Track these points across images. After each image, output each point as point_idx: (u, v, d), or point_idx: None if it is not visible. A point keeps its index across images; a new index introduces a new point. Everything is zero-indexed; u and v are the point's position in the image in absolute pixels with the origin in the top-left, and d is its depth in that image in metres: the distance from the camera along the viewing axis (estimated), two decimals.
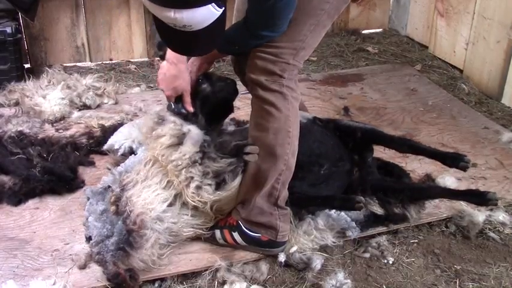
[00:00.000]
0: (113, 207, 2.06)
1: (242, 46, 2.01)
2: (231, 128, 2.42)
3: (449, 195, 2.28)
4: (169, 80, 2.14)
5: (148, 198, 2.03)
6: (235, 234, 2.09)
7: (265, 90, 1.95)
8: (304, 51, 1.97)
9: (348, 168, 2.28)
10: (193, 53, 1.97)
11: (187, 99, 2.19)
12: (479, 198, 2.14)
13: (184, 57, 2.12)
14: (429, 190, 2.33)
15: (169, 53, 2.08)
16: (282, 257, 2.06)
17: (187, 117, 2.18)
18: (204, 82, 2.25)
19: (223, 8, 1.60)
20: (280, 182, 2.02)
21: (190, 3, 1.51)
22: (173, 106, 2.22)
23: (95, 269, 1.99)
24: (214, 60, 2.22)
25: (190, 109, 2.19)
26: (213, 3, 1.53)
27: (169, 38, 1.69)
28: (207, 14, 1.55)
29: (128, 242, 1.93)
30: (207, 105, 2.25)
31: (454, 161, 2.22)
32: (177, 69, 2.11)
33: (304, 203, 2.19)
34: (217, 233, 2.13)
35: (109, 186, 2.24)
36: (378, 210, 2.21)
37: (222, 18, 1.62)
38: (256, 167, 2.02)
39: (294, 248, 2.08)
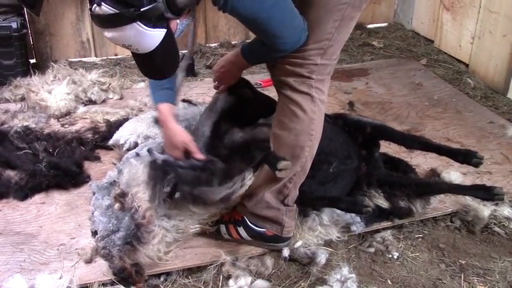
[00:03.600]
0: (117, 204, 2.07)
1: (270, 59, 2.03)
2: None
3: (455, 190, 2.28)
4: (168, 142, 2.16)
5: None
6: (240, 229, 2.10)
7: (294, 91, 1.93)
8: (333, 48, 1.93)
9: (356, 165, 2.28)
10: (155, 76, 1.94)
11: (193, 148, 2.12)
12: (485, 193, 2.14)
13: (169, 115, 2.13)
14: (435, 185, 2.33)
15: (158, 118, 2.16)
16: (286, 252, 2.07)
17: (204, 167, 2.11)
18: (246, 87, 2.27)
19: (165, 29, 1.63)
20: (293, 182, 2.02)
21: (113, 22, 1.58)
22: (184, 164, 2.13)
23: (101, 263, 2.00)
24: (245, 69, 2.24)
25: (201, 157, 2.12)
26: (139, 22, 1.56)
27: (136, 61, 1.77)
28: (138, 34, 1.59)
29: (136, 236, 1.95)
30: (240, 110, 2.26)
31: (466, 157, 2.21)
32: (168, 128, 2.13)
33: (310, 202, 2.19)
34: (223, 228, 2.13)
35: (114, 181, 2.25)
36: (384, 203, 2.21)
37: (167, 41, 1.66)
38: None
39: (299, 243, 2.09)
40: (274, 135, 2.00)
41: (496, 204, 2.33)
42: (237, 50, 2.09)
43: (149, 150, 2.16)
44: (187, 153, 2.12)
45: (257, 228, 2.08)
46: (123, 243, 1.95)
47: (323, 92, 1.96)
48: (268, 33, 1.79)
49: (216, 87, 2.30)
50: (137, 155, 2.19)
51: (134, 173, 2.06)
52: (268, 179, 2.02)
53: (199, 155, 2.12)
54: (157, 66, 1.76)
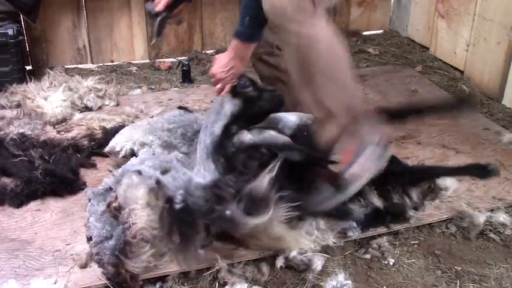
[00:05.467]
0: (111, 213, 2.06)
1: (265, 18, 1.88)
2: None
3: (450, 172, 2.26)
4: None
5: (153, 215, 2.01)
6: None
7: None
8: None
9: None
10: None
11: None
12: (480, 171, 2.14)
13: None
14: (429, 170, 2.32)
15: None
16: (281, 261, 2.06)
17: (151, 17, 2.25)
18: (246, 84, 2.24)
19: None
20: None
21: None
22: (148, 5, 2.28)
23: (96, 268, 2.00)
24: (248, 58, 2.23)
25: (158, 8, 2.20)
26: None
27: None
28: None
29: (123, 251, 1.92)
30: (247, 110, 2.25)
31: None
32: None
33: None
34: None
35: (110, 188, 2.25)
36: (377, 201, 2.21)
37: None
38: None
39: (294, 252, 2.07)
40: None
41: (491, 211, 2.34)
42: (231, 45, 2.04)
43: (157, 182, 2.09)
44: None
45: None
46: (111, 253, 1.94)
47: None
48: None
49: (218, 91, 2.25)
50: (139, 173, 2.13)
51: (134, 193, 2.03)
52: None
53: (158, 7, 2.22)
54: None
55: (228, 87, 2.22)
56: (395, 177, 2.22)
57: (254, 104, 2.26)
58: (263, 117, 2.24)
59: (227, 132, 2.24)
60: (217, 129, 2.24)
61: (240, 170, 2.08)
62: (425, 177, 2.27)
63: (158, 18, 2.27)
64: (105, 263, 1.94)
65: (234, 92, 2.25)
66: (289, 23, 1.77)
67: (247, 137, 2.20)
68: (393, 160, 2.44)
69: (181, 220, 2.01)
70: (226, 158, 2.19)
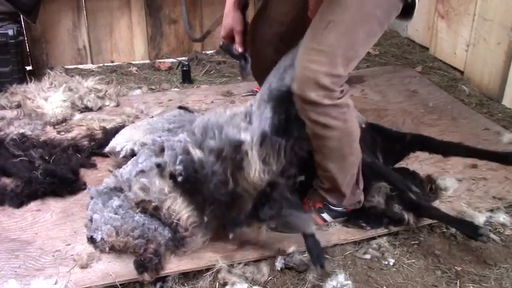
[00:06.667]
0: (145, 209, 2.08)
1: None
2: None
3: (444, 219, 2.25)
4: (223, 20, 2.16)
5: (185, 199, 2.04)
6: (324, 215, 2.22)
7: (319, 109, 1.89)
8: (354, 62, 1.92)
9: None
10: None
11: (237, 38, 2.14)
12: (471, 230, 2.12)
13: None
14: (428, 209, 2.30)
15: None
16: (279, 263, 2.06)
17: (236, 57, 2.17)
18: None
19: None
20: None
21: None
22: (222, 44, 2.22)
23: (96, 269, 2.00)
24: None
25: (239, 49, 2.16)
26: None
27: None
28: None
29: (181, 244, 2.03)
30: None
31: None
32: (226, 7, 2.13)
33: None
34: None
35: (121, 189, 2.20)
36: (380, 200, 2.24)
37: None
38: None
39: (293, 248, 2.08)
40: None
41: (491, 211, 2.34)
42: None
43: (158, 165, 2.08)
44: (229, 38, 2.16)
45: (339, 209, 2.22)
46: (167, 239, 2.02)
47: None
48: None
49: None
50: (142, 171, 2.13)
51: (158, 186, 2.04)
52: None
53: (238, 47, 2.15)
54: None
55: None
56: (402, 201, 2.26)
57: None
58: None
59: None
60: (289, 79, 2.01)
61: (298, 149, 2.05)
62: (421, 215, 2.27)
63: (244, 58, 2.20)
64: (152, 241, 1.99)
65: None
66: (309, 106, 1.91)
67: None
68: (414, 177, 2.45)
69: (189, 192, 2.01)
70: (288, 118, 2.04)
